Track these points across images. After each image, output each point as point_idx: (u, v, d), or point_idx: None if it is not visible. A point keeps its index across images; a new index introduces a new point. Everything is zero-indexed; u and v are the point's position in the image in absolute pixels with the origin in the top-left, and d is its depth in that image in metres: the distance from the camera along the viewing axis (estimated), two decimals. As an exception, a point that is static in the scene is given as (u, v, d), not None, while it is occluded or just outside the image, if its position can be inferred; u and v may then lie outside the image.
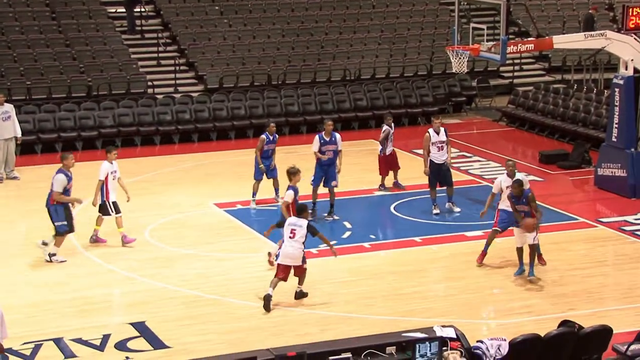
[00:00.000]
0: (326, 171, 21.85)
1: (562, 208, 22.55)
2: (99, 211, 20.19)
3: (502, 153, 27.26)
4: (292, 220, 17.27)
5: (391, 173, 23.96)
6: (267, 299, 16.79)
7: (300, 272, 17.15)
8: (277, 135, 23.13)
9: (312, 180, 21.92)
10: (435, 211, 21.96)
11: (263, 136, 22.80)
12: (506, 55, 23.30)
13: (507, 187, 18.75)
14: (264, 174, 22.67)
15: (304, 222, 17.14)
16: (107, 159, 20.23)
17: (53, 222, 19.25)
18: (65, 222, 19.26)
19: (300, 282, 17.21)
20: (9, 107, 25.15)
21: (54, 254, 19.26)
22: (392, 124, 23.88)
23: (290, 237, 17.03)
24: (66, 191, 19.33)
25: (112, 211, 20.08)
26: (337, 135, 22.12)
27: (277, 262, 17.31)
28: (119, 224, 20.15)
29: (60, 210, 19.27)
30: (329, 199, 21.94)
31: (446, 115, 32.11)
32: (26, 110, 28.34)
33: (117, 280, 18.38)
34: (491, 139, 29.34)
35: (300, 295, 17.21)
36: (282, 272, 17.03)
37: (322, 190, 22.13)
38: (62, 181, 19.25)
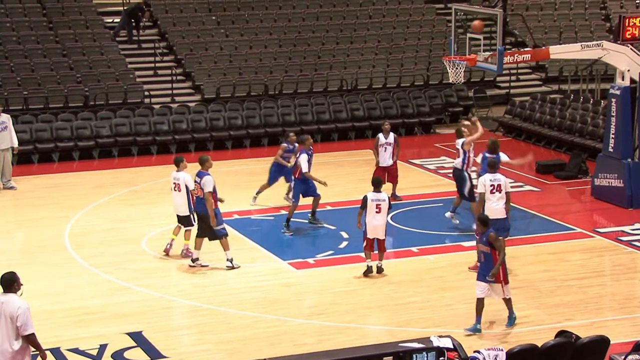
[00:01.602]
0: (307, 184, 21.80)
1: (559, 218, 22.57)
2: (182, 223, 19.98)
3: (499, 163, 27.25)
4: (374, 196, 18.59)
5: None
6: (368, 270, 18.75)
7: (383, 246, 18.83)
8: (297, 146, 22.91)
9: (294, 199, 21.79)
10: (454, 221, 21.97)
11: (284, 144, 23.18)
12: (503, 65, 23.32)
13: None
14: (282, 177, 23.11)
15: (385, 196, 18.77)
16: (185, 169, 19.88)
17: (212, 227, 19.07)
18: (224, 225, 19.25)
19: (381, 258, 18.93)
20: (6, 117, 25.11)
21: (231, 259, 19.32)
22: (388, 134, 23.68)
23: (377, 212, 18.52)
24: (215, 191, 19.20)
25: (194, 221, 19.87)
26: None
27: (367, 237, 18.68)
28: (187, 237, 20.06)
29: (219, 213, 19.18)
30: (311, 209, 21.99)
31: (443, 126, 32.19)
32: (23, 120, 28.35)
33: (114, 290, 18.36)
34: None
35: (380, 270, 18.88)
36: (370, 244, 18.75)
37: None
38: (211, 181, 19.02)
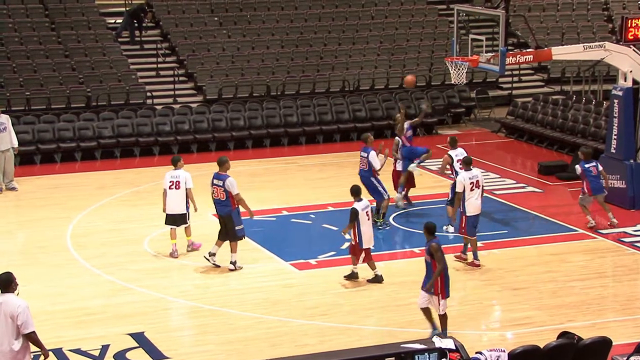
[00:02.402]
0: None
1: (561, 219, 22.54)
2: (177, 223, 20.04)
3: (502, 164, 27.28)
4: (361, 205, 18.10)
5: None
6: (378, 279, 18.41)
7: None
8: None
9: (386, 194, 21.89)
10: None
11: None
12: (505, 66, 23.32)
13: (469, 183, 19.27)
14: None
15: (367, 202, 18.41)
16: (182, 167, 20.13)
17: (233, 228, 19.08)
18: (243, 226, 19.19)
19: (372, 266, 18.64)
20: (5, 118, 25.04)
21: (235, 261, 19.24)
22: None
23: (367, 220, 18.10)
24: None
25: (189, 218, 20.05)
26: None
27: (363, 248, 18.17)
28: (188, 233, 20.22)
29: (239, 215, 19.14)
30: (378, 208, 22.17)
31: (445, 127, 32.17)
32: (25, 121, 28.37)
33: (116, 290, 18.36)
34: (490, 150, 29.33)
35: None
36: (369, 254, 18.42)
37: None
38: (236, 183, 19.05)
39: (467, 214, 19.23)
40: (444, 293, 15.55)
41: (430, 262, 15.60)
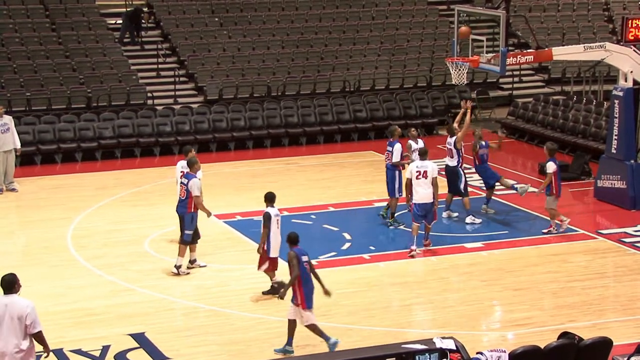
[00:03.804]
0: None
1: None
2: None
3: (502, 165, 27.26)
4: (274, 211, 17.64)
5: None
6: (275, 290, 17.62)
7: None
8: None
9: (400, 192, 21.84)
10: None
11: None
12: (506, 66, 23.34)
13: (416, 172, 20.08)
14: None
15: (277, 210, 17.82)
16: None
17: (183, 230, 19.05)
18: (192, 232, 19.10)
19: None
20: (8, 119, 25.06)
21: (180, 265, 19.11)
22: (417, 139, 22.72)
23: (277, 228, 17.61)
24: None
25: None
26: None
27: (270, 257, 17.65)
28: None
29: (195, 219, 19.07)
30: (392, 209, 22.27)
31: (445, 127, 32.08)
32: (26, 122, 28.37)
33: (117, 291, 18.36)
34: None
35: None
36: (276, 264, 17.88)
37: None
38: (199, 184, 18.97)
39: (413, 201, 20.16)
40: (304, 304, 15.16)
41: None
